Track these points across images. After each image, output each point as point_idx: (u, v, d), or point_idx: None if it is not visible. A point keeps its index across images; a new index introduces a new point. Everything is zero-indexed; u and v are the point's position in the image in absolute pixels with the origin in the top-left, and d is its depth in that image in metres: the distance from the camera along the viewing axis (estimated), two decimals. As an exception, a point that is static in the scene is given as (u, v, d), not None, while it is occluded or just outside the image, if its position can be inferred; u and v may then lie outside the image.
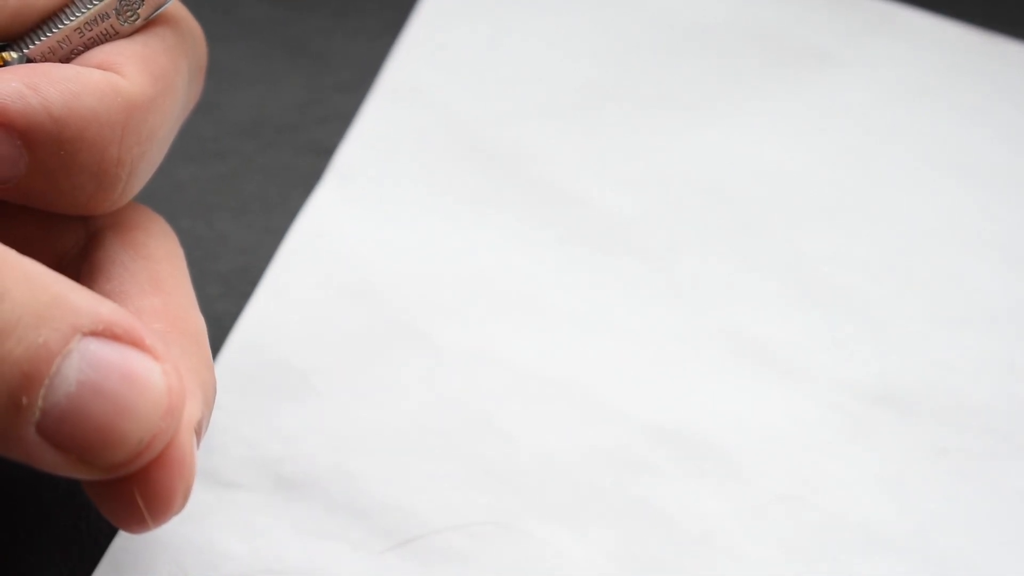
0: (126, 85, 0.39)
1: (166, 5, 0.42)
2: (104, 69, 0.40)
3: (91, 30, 0.41)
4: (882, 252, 0.53)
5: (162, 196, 0.54)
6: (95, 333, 0.35)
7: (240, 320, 0.50)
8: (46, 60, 0.41)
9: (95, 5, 0.41)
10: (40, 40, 0.41)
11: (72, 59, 0.41)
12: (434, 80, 0.58)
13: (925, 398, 0.49)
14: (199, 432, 0.38)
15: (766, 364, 0.50)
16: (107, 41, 0.41)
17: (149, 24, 0.42)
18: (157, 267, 0.41)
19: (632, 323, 0.51)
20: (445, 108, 0.57)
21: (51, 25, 0.41)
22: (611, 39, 0.60)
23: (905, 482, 0.47)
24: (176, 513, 0.37)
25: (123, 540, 0.44)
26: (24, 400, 0.33)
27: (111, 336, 0.35)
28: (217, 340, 0.50)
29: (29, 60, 0.41)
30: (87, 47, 0.41)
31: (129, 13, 0.41)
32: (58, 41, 0.41)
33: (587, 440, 0.48)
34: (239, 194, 0.55)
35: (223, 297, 0.51)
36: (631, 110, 0.57)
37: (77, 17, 0.41)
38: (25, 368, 0.33)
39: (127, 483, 0.36)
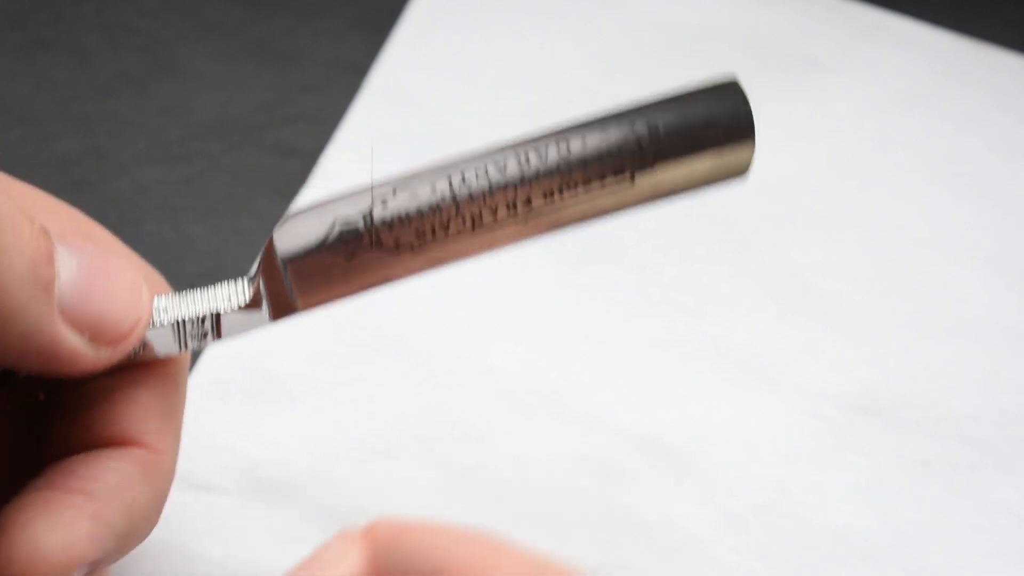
0: (168, 464, 0.38)
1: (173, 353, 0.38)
2: (142, 446, 0.38)
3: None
4: (868, 260, 0.53)
5: (127, 199, 0.53)
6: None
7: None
8: None
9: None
10: None
11: None
12: (421, 83, 0.57)
13: (908, 408, 0.49)
14: None
15: (750, 373, 0.50)
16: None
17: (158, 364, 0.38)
18: None
19: (615, 331, 0.50)
20: (431, 111, 0.56)
21: None
22: (599, 43, 0.59)
23: (887, 492, 0.47)
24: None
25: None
26: (47, 270, 0.35)
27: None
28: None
29: None
30: None
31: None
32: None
33: (567, 447, 0.47)
34: (205, 196, 0.54)
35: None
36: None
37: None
38: (40, 242, 0.35)
39: None
